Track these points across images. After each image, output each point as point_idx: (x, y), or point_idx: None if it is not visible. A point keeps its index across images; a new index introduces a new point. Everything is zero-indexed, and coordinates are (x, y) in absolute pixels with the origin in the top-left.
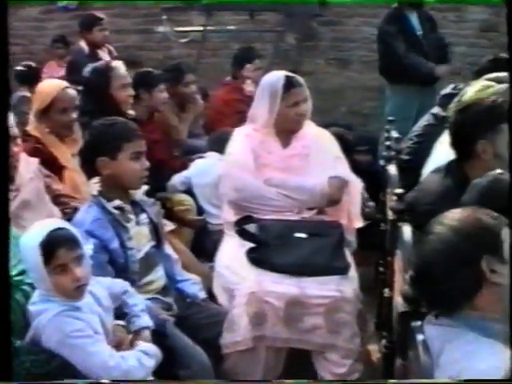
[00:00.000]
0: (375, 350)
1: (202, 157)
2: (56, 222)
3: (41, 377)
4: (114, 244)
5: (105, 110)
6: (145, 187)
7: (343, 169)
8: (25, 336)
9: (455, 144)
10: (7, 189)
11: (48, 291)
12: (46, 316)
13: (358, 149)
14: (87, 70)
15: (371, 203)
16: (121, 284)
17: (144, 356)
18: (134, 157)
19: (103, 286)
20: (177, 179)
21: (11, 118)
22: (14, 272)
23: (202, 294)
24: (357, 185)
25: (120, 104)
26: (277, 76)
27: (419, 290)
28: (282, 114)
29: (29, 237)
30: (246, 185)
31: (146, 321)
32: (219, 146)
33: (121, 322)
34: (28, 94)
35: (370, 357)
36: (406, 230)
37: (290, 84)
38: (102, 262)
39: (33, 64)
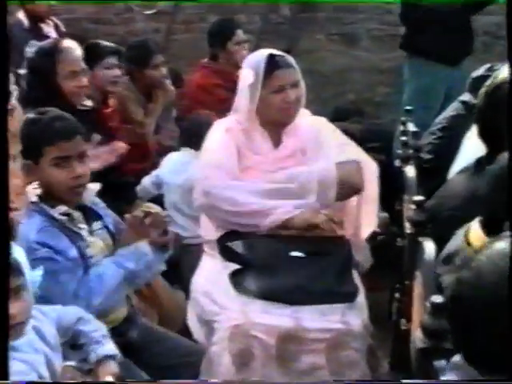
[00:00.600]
0: None
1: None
2: None
3: None
4: (73, 253)
5: (51, 101)
6: (96, 186)
7: (355, 152)
8: None
9: (484, 134)
10: (7, 189)
11: None
12: None
13: (368, 146)
14: (31, 49)
15: (384, 214)
16: (73, 311)
17: None
18: (58, 163)
19: (50, 320)
20: (147, 180)
21: None
22: None
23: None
24: (373, 170)
25: (68, 95)
26: (260, 55)
27: (450, 322)
28: (265, 102)
29: None
30: (227, 194)
31: (109, 349)
32: (194, 138)
33: (71, 363)
34: None
35: None
36: (428, 247)
37: (273, 65)
38: (62, 269)
39: None
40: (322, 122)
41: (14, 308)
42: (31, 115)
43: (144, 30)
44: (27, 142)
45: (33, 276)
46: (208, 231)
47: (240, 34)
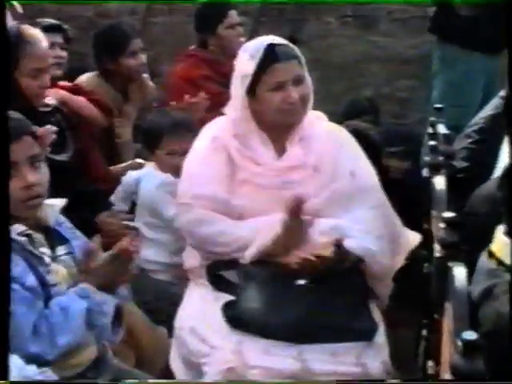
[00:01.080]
0: None
1: None
2: None
3: None
4: (30, 280)
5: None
6: (60, 202)
7: (368, 177)
8: None
9: None
10: (7, 189)
11: None
12: None
13: (390, 150)
14: None
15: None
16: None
17: None
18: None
19: None
20: (129, 178)
21: None
22: None
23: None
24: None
25: (28, 96)
26: (257, 44)
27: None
28: (263, 101)
29: None
30: (212, 218)
31: None
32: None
33: None
34: None
35: None
36: (459, 273)
37: (272, 56)
38: (18, 300)
39: None
40: (339, 133)
41: None
42: None
43: (117, 10)
44: None
45: None
46: (192, 258)
47: (233, 15)
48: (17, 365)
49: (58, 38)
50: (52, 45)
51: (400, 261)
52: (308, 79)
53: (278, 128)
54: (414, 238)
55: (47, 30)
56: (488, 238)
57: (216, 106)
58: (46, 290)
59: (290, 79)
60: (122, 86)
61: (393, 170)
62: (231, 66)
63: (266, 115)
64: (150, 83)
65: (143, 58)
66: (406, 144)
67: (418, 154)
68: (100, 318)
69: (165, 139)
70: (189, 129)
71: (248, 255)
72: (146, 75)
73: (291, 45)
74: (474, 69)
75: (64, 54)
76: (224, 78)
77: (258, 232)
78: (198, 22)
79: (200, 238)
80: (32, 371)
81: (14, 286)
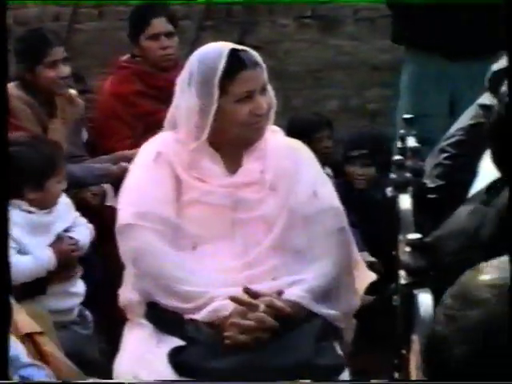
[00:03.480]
0: None
1: None
2: None
3: None
4: None
5: None
6: None
7: (329, 198)
8: None
9: (498, 153)
10: (7, 188)
11: None
12: None
13: (351, 154)
14: None
15: (371, 259)
16: None
17: None
18: None
19: None
20: None
21: None
22: None
23: None
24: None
25: None
26: (215, 51)
27: None
28: (227, 114)
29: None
30: (149, 259)
31: None
32: None
33: None
34: None
35: None
36: (425, 301)
37: (237, 63)
38: None
39: None
40: (299, 148)
41: None
42: None
43: (39, 17)
44: None
45: None
46: (129, 292)
47: (159, 24)
48: None
49: None
50: None
51: (358, 296)
52: (270, 88)
53: (237, 144)
54: (369, 275)
55: None
56: (462, 266)
57: (153, 124)
58: None
59: (258, 88)
60: (45, 99)
61: (354, 179)
62: (165, 80)
63: (227, 131)
64: (77, 99)
65: (66, 69)
66: (370, 147)
67: (385, 157)
68: None
69: None
70: None
71: (196, 317)
72: (72, 90)
73: (253, 51)
74: (442, 75)
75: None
76: (158, 92)
77: (210, 299)
78: (130, 27)
79: (145, 274)
80: None
81: None
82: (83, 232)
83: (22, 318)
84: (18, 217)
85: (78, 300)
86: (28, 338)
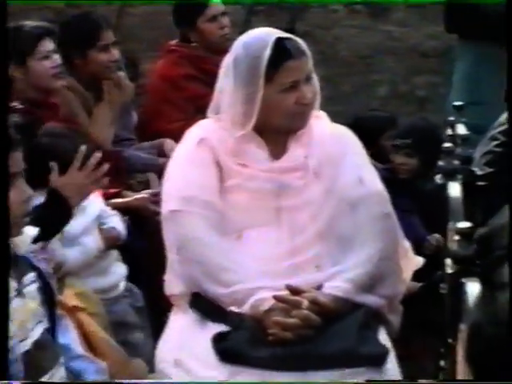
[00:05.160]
0: None
1: None
2: None
3: None
4: None
5: None
6: (33, 231)
7: (375, 184)
8: None
9: None
10: (7, 188)
11: None
12: None
13: (397, 144)
14: None
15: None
16: None
17: None
18: None
19: None
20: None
21: None
22: None
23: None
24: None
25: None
26: (261, 38)
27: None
28: (272, 104)
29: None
30: (197, 251)
31: None
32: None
33: None
34: None
35: None
36: (473, 290)
37: (283, 53)
38: None
39: None
40: (345, 135)
41: None
42: None
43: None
44: None
45: None
46: (175, 283)
47: (215, 6)
48: None
49: (51, 44)
50: (48, 54)
51: (405, 283)
52: (315, 76)
53: (282, 131)
54: (416, 261)
55: (38, 36)
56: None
57: (203, 107)
58: None
59: (303, 78)
60: (93, 84)
61: (399, 167)
62: (217, 63)
63: (272, 118)
64: (127, 82)
65: (116, 53)
66: (414, 137)
67: (431, 152)
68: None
69: None
70: None
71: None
72: (121, 73)
73: (299, 39)
74: (498, 64)
75: (58, 59)
76: (209, 76)
77: (252, 290)
78: (176, 15)
79: (192, 264)
80: None
81: None
82: (118, 221)
83: (68, 294)
84: None
85: (121, 277)
86: (73, 317)
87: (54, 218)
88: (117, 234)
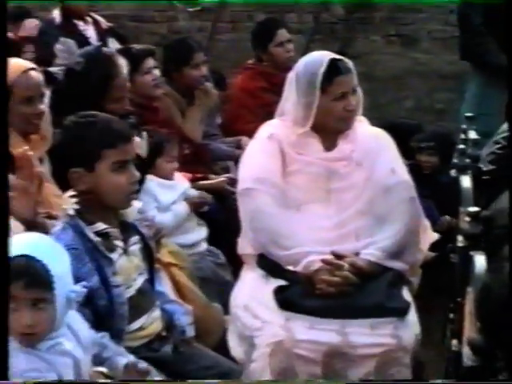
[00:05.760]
0: None
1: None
2: (27, 244)
3: None
4: (93, 281)
5: (95, 107)
6: (138, 204)
7: (405, 175)
8: None
9: None
10: (7, 188)
11: None
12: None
13: (422, 146)
14: (61, 46)
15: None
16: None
17: None
18: (118, 167)
19: (86, 326)
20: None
21: None
22: None
23: (191, 331)
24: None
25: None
26: (318, 59)
27: (488, 335)
28: (326, 109)
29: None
30: (264, 221)
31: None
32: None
33: (102, 369)
34: None
35: None
36: (480, 261)
37: (335, 70)
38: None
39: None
40: (382, 135)
41: (30, 318)
42: (77, 119)
43: (187, 28)
44: (80, 147)
45: (72, 289)
46: (246, 245)
47: (282, 34)
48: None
49: (152, 62)
50: (149, 69)
51: (423, 252)
52: (359, 89)
53: (334, 131)
54: (432, 236)
55: (145, 56)
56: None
57: (271, 112)
58: (108, 291)
59: (350, 90)
60: (187, 92)
61: (423, 164)
62: (283, 78)
63: (325, 121)
64: (213, 90)
65: (205, 69)
66: (437, 141)
67: (449, 153)
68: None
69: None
70: None
71: (294, 268)
72: (209, 84)
73: (347, 60)
74: (496, 85)
75: (158, 73)
76: (277, 88)
77: (305, 254)
78: (253, 40)
79: (260, 230)
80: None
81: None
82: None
83: (163, 252)
84: (156, 184)
85: (202, 237)
86: (167, 271)
87: None
88: (198, 201)
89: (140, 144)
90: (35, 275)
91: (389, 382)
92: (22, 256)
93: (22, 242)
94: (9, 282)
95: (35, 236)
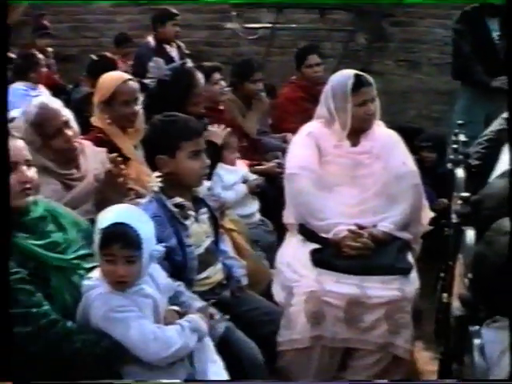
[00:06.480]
0: (427, 356)
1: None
2: (124, 214)
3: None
4: (172, 242)
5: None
6: (207, 183)
7: (412, 165)
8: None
9: None
10: (7, 187)
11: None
12: (95, 291)
13: (423, 145)
14: (153, 64)
15: (443, 200)
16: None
17: (184, 327)
18: (193, 155)
19: (162, 271)
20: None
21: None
22: (72, 255)
23: (244, 281)
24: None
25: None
26: (346, 74)
27: (478, 293)
28: (352, 113)
29: (101, 217)
30: (304, 198)
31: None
32: None
33: (175, 308)
34: (87, 88)
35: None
36: (470, 234)
37: (359, 83)
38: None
39: (108, 54)
40: (394, 135)
41: (124, 271)
42: (163, 117)
43: (247, 51)
44: (165, 139)
45: (155, 248)
46: (289, 216)
47: (312, 58)
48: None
49: (219, 75)
50: (217, 81)
51: (424, 226)
52: (377, 99)
53: (357, 130)
54: (430, 214)
55: (214, 71)
56: (491, 222)
57: (308, 116)
58: (183, 249)
59: (371, 98)
60: (246, 99)
61: (424, 159)
62: (318, 90)
63: (352, 122)
64: (266, 99)
65: (260, 85)
66: (435, 142)
67: (444, 150)
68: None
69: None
70: None
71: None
72: (263, 94)
73: (368, 75)
74: (479, 99)
75: (224, 83)
76: (313, 98)
77: (335, 224)
78: (295, 61)
79: (301, 206)
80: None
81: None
82: (254, 178)
83: (226, 220)
84: (222, 169)
85: (256, 209)
86: (229, 235)
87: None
88: (253, 185)
89: (218, 134)
90: (129, 239)
91: (390, 382)
92: (119, 223)
93: (117, 212)
94: (8, 283)
95: (128, 207)
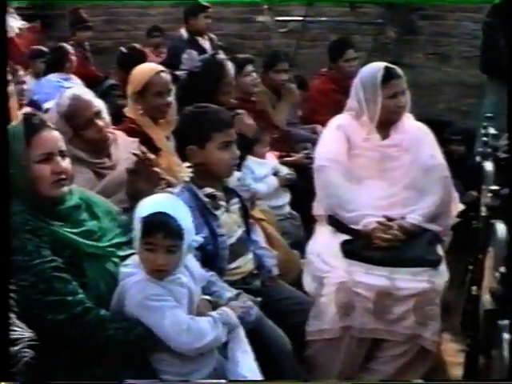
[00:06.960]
0: (454, 348)
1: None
2: (166, 203)
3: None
4: (203, 231)
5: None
6: (238, 174)
7: (441, 158)
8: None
9: None
10: (7, 187)
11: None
12: (132, 279)
13: (452, 138)
14: (186, 55)
15: (472, 192)
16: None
17: (216, 320)
18: (223, 146)
19: (196, 261)
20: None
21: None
22: (107, 243)
23: (275, 271)
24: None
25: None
26: (376, 67)
27: (510, 287)
28: (382, 106)
29: (141, 206)
30: (333, 190)
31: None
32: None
33: (207, 297)
34: (115, 82)
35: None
36: (500, 228)
37: (389, 75)
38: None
39: (137, 46)
40: (423, 127)
41: (163, 260)
42: (194, 109)
43: (278, 44)
44: (195, 130)
45: (194, 239)
46: (319, 207)
47: (350, 53)
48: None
49: (250, 67)
50: (249, 73)
51: (453, 218)
52: (407, 92)
53: (387, 122)
54: (459, 206)
55: (246, 63)
56: None
57: (339, 108)
58: (214, 239)
59: (401, 91)
60: (275, 90)
61: (454, 152)
62: (349, 83)
63: (381, 114)
64: (296, 90)
65: (286, 75)
66: (464, 136)
67: (473, 144)
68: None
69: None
70: None
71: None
72: (293, 85)
73: (398, 68)
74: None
75: (255, 75)
76: (344, 90)
77: (363, 216)
78: (329, 53)
79: (330, 197)
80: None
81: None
82: (285, 170)
83: (256, 210)
84: (253, 162)
85: (286, 201)
86: (259, 224)
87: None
88: (285, 178)
89: (250, 126)
90: (171, 228)
91: (397, 382)
92: (161, 213)
93: (158, 201)
94: (8, 283)
95: (168, 196)
